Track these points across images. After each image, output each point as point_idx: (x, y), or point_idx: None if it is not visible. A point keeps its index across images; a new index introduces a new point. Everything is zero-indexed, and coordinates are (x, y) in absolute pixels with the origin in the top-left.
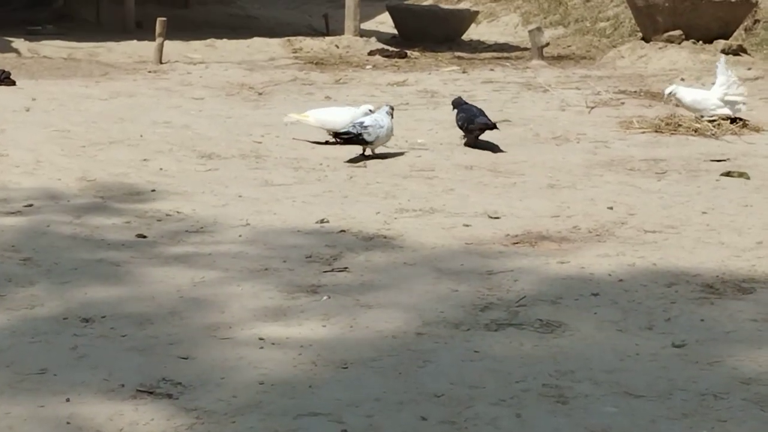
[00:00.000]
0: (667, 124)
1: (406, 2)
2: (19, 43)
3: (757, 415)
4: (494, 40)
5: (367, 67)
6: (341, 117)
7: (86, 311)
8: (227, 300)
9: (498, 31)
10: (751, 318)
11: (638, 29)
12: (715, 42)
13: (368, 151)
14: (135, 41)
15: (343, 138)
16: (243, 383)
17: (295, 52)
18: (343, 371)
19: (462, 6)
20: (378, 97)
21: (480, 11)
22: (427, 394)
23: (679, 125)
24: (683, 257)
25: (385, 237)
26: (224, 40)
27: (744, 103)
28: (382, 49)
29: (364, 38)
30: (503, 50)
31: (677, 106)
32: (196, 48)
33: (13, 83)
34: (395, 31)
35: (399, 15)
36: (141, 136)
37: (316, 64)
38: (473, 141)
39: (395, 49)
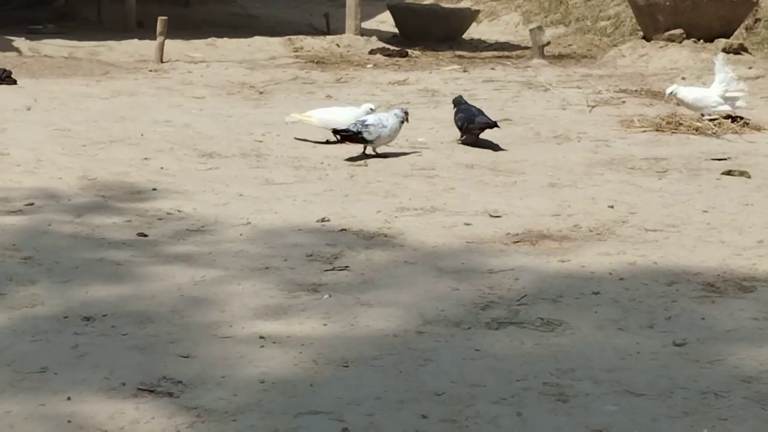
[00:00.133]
0: (668, 122)
1: (406, 1)
2: (20, 42)
3: (757, 414)
4: (495, 39)
5: (368, 66)
6: (344, 116)
7: (87, 310)
8: (228, 298)
9: (499, 30)
10: (751, 316)
11: (639, 28)
12: (716, 41)
13: (369, 150)
14: (136, 40)
15: (343, 135)
16: (244, 382)
17: (296, 51)
18: (344, 370)
19: (463, 5)
20: (379, 96)
21: (481, 10)
22: (427, 393)
23: (680, 124)
24: (684, 256)
25: (385, 236)
26: (225, 39)
27: (744, 99)
28: (383, 48)
29: (365, 37)
30: (504, 49)
31: (678, 105)
32: (197, 47)
33: (14, 82)
34: (396, 30)
35: (400, 14)
36: (142, 135)
37: (317, 63)
38: (473, 140)
39: (396, 48)
